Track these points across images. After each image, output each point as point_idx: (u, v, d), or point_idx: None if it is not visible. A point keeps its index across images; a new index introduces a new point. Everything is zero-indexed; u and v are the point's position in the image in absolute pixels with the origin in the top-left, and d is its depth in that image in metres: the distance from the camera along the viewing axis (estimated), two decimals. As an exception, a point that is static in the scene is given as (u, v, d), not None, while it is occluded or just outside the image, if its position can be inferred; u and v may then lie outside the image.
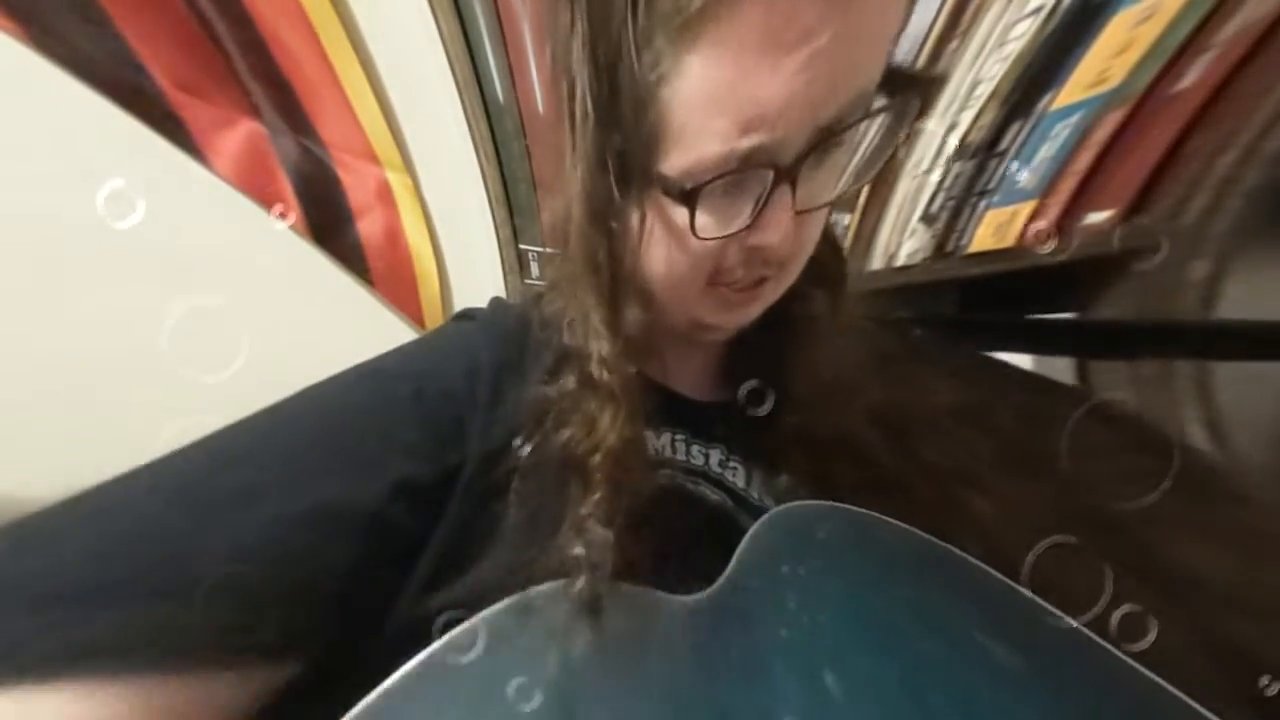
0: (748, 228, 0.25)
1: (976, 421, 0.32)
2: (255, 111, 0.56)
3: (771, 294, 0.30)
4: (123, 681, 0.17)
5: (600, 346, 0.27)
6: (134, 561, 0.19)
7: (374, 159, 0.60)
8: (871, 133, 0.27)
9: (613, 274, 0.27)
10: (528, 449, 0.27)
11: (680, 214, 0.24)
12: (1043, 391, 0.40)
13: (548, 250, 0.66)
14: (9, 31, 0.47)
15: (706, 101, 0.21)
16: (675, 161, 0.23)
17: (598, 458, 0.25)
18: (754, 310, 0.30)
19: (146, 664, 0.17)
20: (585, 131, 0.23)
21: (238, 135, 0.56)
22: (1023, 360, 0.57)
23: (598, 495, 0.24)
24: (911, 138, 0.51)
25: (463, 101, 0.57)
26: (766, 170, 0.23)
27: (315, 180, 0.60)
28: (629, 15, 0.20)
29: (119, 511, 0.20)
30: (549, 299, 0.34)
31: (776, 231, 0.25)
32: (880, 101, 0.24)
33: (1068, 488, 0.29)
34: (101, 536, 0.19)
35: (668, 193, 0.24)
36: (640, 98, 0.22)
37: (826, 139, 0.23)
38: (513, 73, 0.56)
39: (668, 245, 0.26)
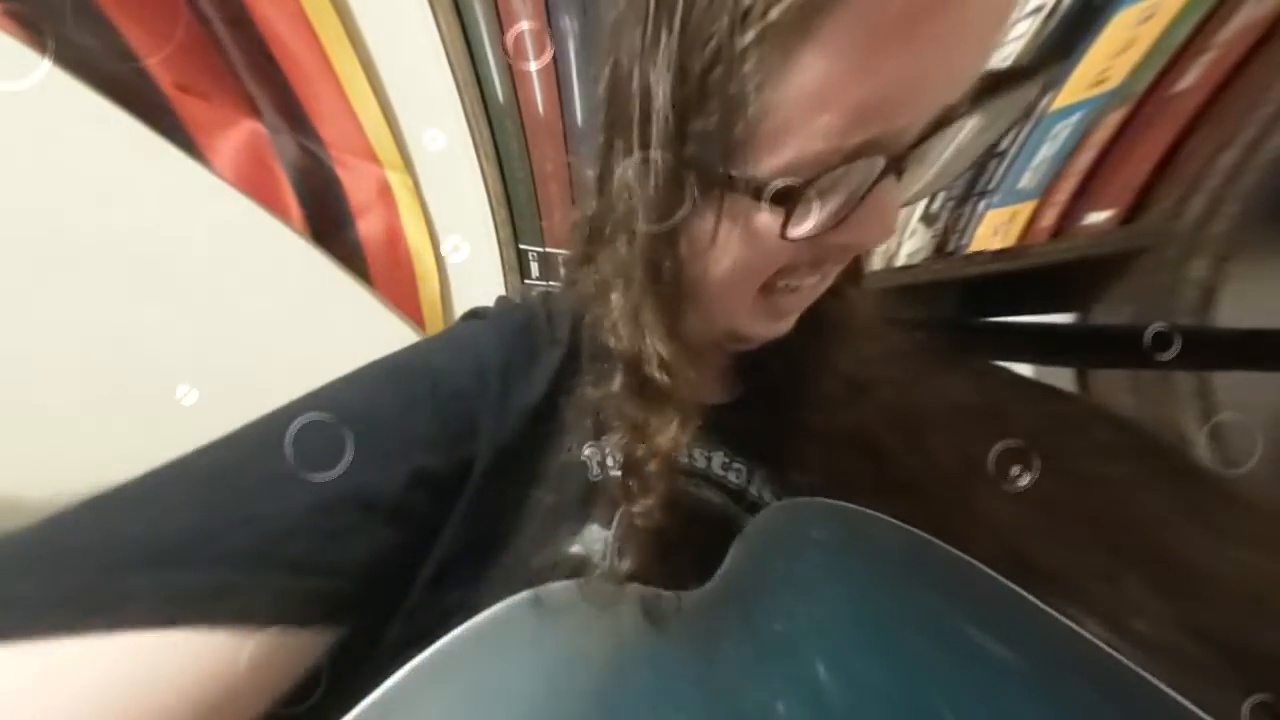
0: (841, 223, 0.23)
1: (986, 421, 0.31)
2: (255, 111, 0.56)
3: (814, 297, 0.29)
4: (207, 633, 0.19)
5: (660, 349, 0.27)
6: (200, 531, 0.20)
7: (374, 158, 0.60)
8: (969, 124, 0.25)
9: (676, 279, 0.26)
10: (550, 446, 0.27)
11: (762, 215, 0.23)
12: (1047, 397, 0.40)
13: (549, 250, 0.67)
14: (9, 32, 0.47)
15: (816, 98, 0.20)
16: (767, 164, 0.22)
17: (653, 464, 0.25)
18: (792, 320, 0.30)
19: (230, 619, 0.19)
20: (662, 138, 0.22)
21: (238, 135, 0.56)
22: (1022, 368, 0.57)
23: (651, 500, 0.25)
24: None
25: (463, 101, 0.57)
26: (875, 160, 0.21)
27: (315, 180, 0.60)
28: (734, 28, 0.19)
29: (182, 490, 0.22)
30: (563, 299, 0.34)
31: (876, 226, 0.24)
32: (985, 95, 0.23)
33: (1078, 488, 0.29)
34: (169, 509, 0.21)
35: (757, 196, 0.22)
36: (734, 103, 0.21)
37: (949, 122, 0.22)
38: (513, 73, 0.56)
39: (741, 248, 0.25)
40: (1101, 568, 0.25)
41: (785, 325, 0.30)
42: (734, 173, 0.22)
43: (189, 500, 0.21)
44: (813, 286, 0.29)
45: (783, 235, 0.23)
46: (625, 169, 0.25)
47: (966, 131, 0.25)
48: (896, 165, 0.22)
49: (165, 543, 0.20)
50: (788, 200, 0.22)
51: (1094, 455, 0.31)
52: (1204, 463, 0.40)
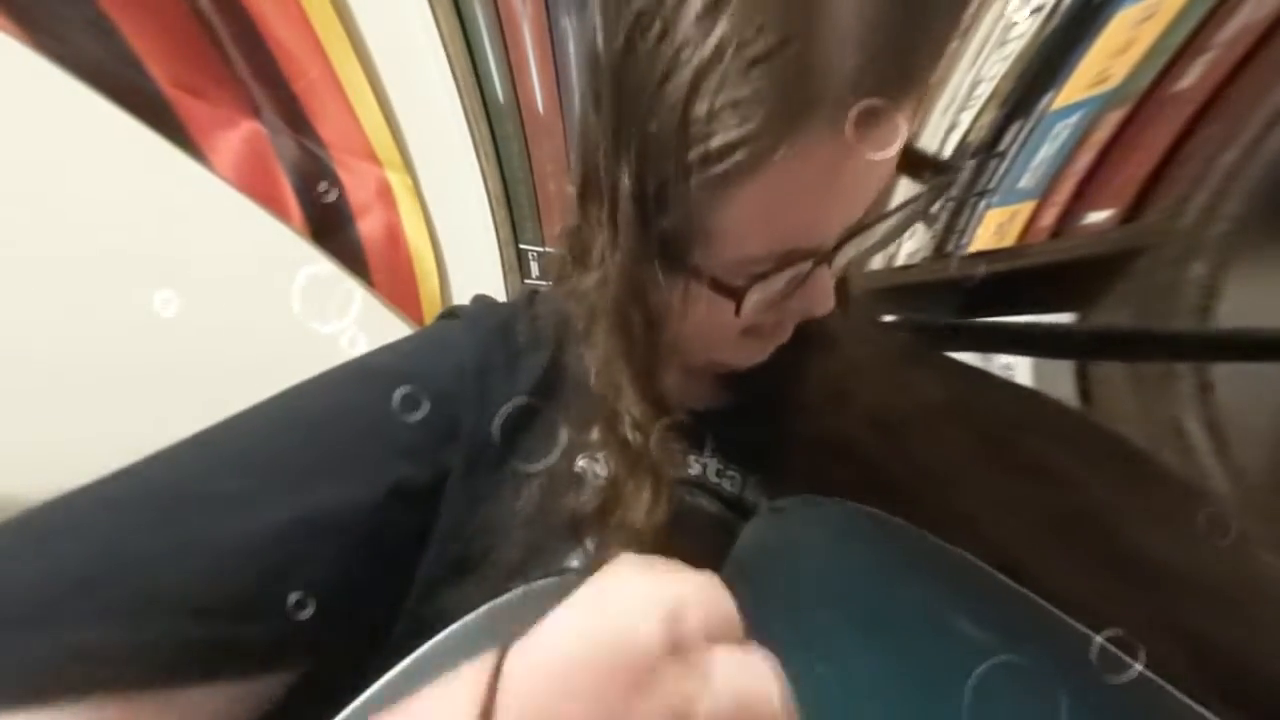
0: (788, 298, 0.26)
1: (966, 422, 0.32)
2: (255, 111, 0.56)
3: (789, 333, 0.31)
4: (114, 698, 0.17)
5: (632, 410, 0.27)
6: (113, 580, 0.19)
7: (374, 159, 0.60)
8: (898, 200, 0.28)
9: (648, 344, 0.27)
10: (538, 467, 0.27)
11: (718, 296, 0.25)
12: (1022, 398, 0.41)
13: (548, 250, 0.67)
14: (8, 31, 0.47)
15: (745, 229, 0.23)
16: (720, 257, 0.24)
17: (622, 536, 0.25)
18: (773, 346, 0.31)
19: (136, 681, 0.18)
20: (627, 227, 0.24)
21: (237, 135, 0.56)
22: (1021, 363, 0.57)
23: (633, 539, 0.25)
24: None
25: (463, 101, 0.57)
26: (805, 262, 0.24)
27: (315, 180, 0.60)
28: (679, 173, 0.21)
29: (100, 521, 0.20)
30: (548, 304, 0.34)
31: (818, 300, 0.26)
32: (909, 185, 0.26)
33: (1056, 488, 0.30)
34: (82, 551, 0.19)
35: (713, 286, 0.24)
36: (685, 219, 0.23)
37: (864, 229, 0.25)
38: (513, 73, 0.57)
39: (706, 316, 0.26)
40: (1076, 565, 0.26)
41: (766, 352, 0.31)
42: (695, 262, 0.24)
43: (80, 544, 0.19)
44: (785, 331, 0.30)
45: (737, 314, 0.25)
46: (603, 239, 0.26)
47: (898, 206, 0.27)
48: (827, 259, 0.25)
49: (80, 595, 0.18)
50: (738, 295, 0.24)
51: (1071, 452, 0.32)
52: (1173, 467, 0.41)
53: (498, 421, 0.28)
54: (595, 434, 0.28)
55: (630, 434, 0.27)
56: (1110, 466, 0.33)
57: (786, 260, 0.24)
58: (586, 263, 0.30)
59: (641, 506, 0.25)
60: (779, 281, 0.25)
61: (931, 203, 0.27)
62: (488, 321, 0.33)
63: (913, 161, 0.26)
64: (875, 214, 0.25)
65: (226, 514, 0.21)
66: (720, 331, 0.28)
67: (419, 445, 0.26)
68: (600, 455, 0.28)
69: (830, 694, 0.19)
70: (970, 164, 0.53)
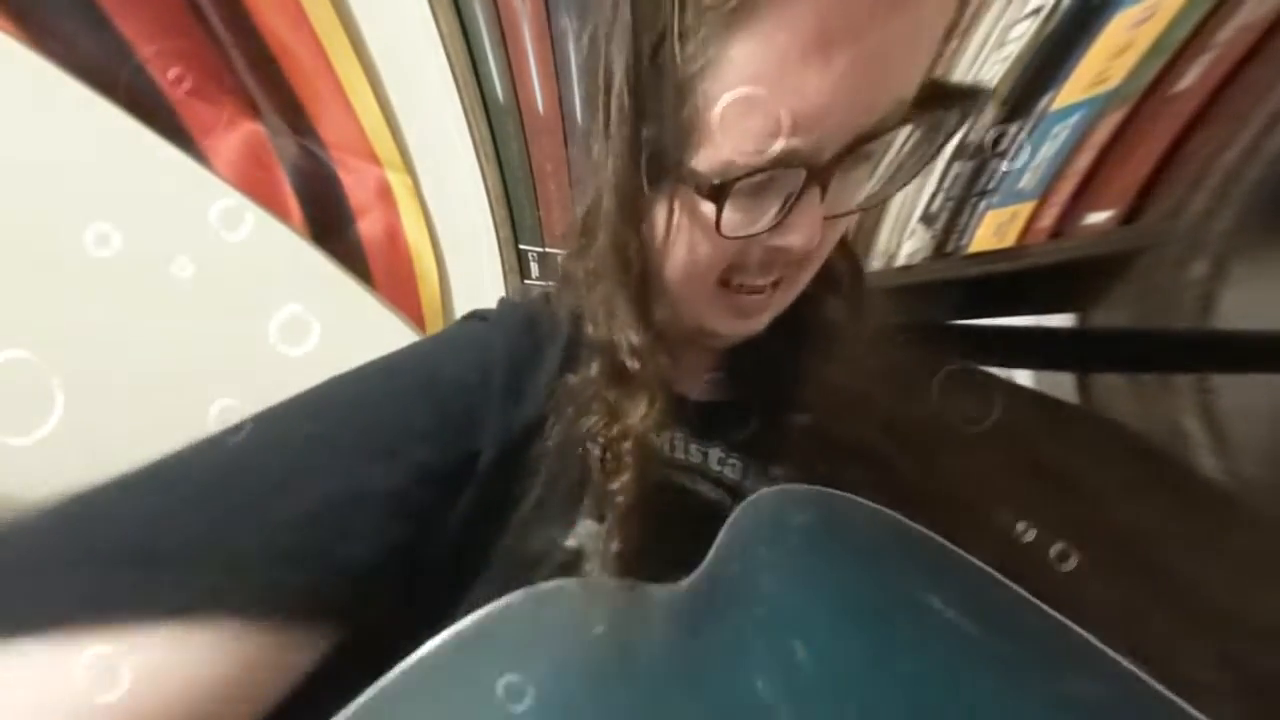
0: (773, 228, 0.25)
1: (984, 431, 0.32)
2: (255, 112, 0.56)
3: (782, 302, 0.30)
4: (204, 629, 0.19)
5: (629, 337, 0.28)
6: (198, 529, 0.21)
7: (374, 159, 0.60)
8: (903, 142, 0.27)
9: (643, 267, 0.27)
10: (548, 437, 0.28)
11: (707, 209, 0.24)
12: (1044, 405, 0.41)
13: (548, 250, 0.67)
14: (8, 31, 0.47)
15: (745, 98, 0.21)
16: (707, 157, 0.23)
17: (628, 443, 0.26)
18: (764, 319, 0.31)
19: (228, 613, 0.19)
20: (620, 121, 0.23)
21: (238, 136, 0.56)
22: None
23: (626, 477, 0.25)
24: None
25: (463, 101, 0.57)
26: (798, 170, 0.23)
27: (315, 180, 0.60)
28: (675, 3, 0.20)
29: (176, 486, 0.22)
30: (561, 293, 0.34)
31: (803, 234, 0.25)
32: (918, 113, 0.24)
33: (1076, 499, 0.30)
34: (165, 507, 0.21)
35: (697, 188, 0.24)
36: (679, 88, 0.22)
37: (862, 144, 0.23)
38: (513, 73, 0.57)
39: (690, 240, 0.26)
40: (1088, 569, 0.26)
41: (754, 325, 0.31)
42: (682, 164, 0.24)
43: (186, 500, 0.21)
44: (777, 291, 0.30)
45: (717, 230, 0.24)
46: (595, 150, 0.26)
47: (901, 146, 0.26)
48: (819, 179, 0.23)
49: (165, 541, 0.20)
50: (720, 196, 0.23)
51: (1085, 460, 0.32)
52: (1196, 469, 0.40)
53: (525, 416, 0.29)
54: (593, 372, 0.28)
55: (627, 359, 0.27)
56: (1135, 474, 0.33)
57: (779, 161, 0.22)
58: (590, 232, 0.31)
59: (639, 413, 0.26)
60: (767, 195, 0.24)
61: (950, 131, 0.26)
62: (514, 320, 0.34)
63: (934, 93, 0.24)
64: (883, 126, 0.23)
65: (273, 487, 0.22)
66: (702, 267, 0.28)
67: (437, 431, 0.27)
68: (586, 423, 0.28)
69: (809, 674, 0.19)
70: (970, 164, 0.53)
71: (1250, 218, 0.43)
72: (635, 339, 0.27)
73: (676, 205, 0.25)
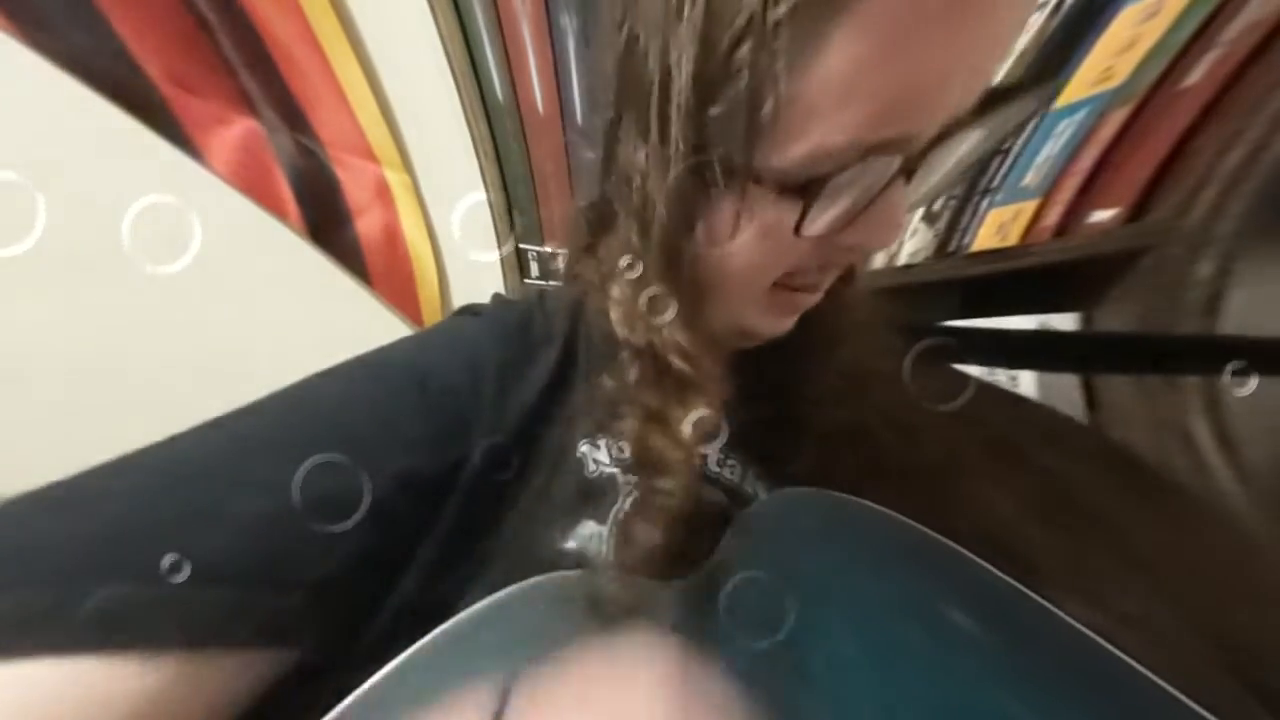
0: (854, 223, 0.23)
1: (967, 421, 0.32)
2: (252, 109, 0.55)
3: (814, 301, 0.29)
4: (139, 658, 0.17)
5: (679, 337, 0.26)
6: (136, 543, 0.19)
7: (372, 157, 0.60)
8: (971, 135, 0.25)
9: (694, 270, 0.26)
10: (542, 441, 0.27)
11: (784, 209, 0.23)
12: (1020, 404, 0.41)
13: (549, 250, 0.66)
14: (4, 29, 0.47)
15: (842, 87, 0.19)
16: (790, 153, 0.21)
17: (679, 451, 0.25)
18: (795, 318, 0.30)
19: (167, 642, 0.18)
20: (684, 121, 0.22)
21: (234, 133, 0.55)
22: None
23: (674, 482, 0.24)
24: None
25: (462, 100, 0.57)
26: (888, 161, 0.21)
27: (313, 179, 0.59)
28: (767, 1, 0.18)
29: (120, 489, 0.21)
30: (562, 294, 0.34)
31: (888, 227, 0.24)
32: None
33: (1061, 488, 0.30)
34: (106, 516, 0.19)
35: (780, 188, 0.22)
36: (761, 82, 0.20)
37: (954, 131, 0.22)
38: (512, 71, 0.56)
39: (754, 243, 0.25)
40: (1073, 552, 0.26)
41: (789, 323, 0.30)
42: (756, 161, 0.22)
43: (132, 503, 0.20)
44: (818, 287, 0.29)
45: (797, 231, 0.22)
46: (637, 151, 0.25)
47: (968, 143, 0.25)
48: (909, 168, 0.22)
49: (99, 554, 0.18)
50: (807, 193, 0.21)
51: (1059, 453, 0.32)
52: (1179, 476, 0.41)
53: (515, 417, 0.28)
54: (631, 376, 0.27)
55: (677, 362, 0.26)
56: (1121, 478, 0.33)
57: (876, 149, 0.20)
58: (606, 227, 0.30)
59: (689, 417, 0.25)
60: (853, 189, 0.22)
61: (1020, 124, 0.25)
62: (507, 318, 0.33)
63: (999, 95, 0.23)
64: (972, 113, 0.21)
65: (242, 490, 0.21)
66: (763, 268, 0.26)
67: (425, 438, 0.26)
68: (607, 434, 0.27)
69: (812, 674, 0.19)
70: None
71: (1257, 216, 0.42)
72: (685, 339, 0.26)
73: (745, 206, 0.24)
